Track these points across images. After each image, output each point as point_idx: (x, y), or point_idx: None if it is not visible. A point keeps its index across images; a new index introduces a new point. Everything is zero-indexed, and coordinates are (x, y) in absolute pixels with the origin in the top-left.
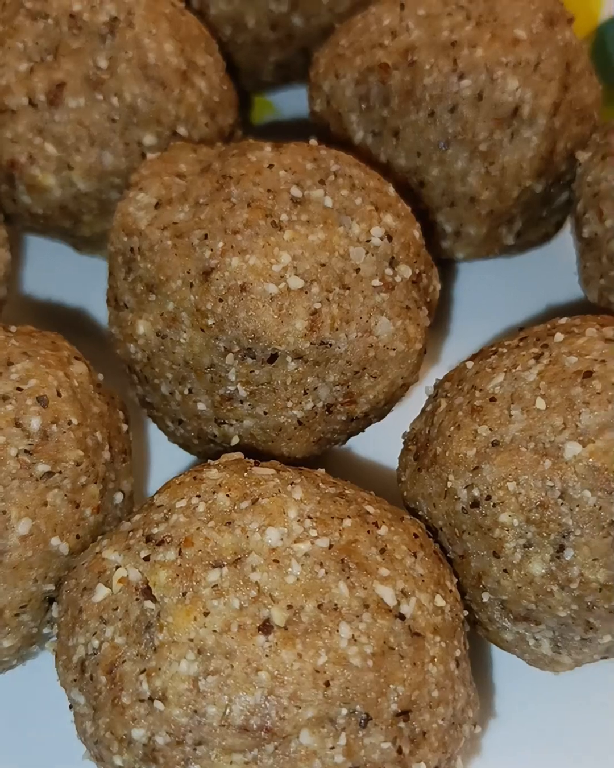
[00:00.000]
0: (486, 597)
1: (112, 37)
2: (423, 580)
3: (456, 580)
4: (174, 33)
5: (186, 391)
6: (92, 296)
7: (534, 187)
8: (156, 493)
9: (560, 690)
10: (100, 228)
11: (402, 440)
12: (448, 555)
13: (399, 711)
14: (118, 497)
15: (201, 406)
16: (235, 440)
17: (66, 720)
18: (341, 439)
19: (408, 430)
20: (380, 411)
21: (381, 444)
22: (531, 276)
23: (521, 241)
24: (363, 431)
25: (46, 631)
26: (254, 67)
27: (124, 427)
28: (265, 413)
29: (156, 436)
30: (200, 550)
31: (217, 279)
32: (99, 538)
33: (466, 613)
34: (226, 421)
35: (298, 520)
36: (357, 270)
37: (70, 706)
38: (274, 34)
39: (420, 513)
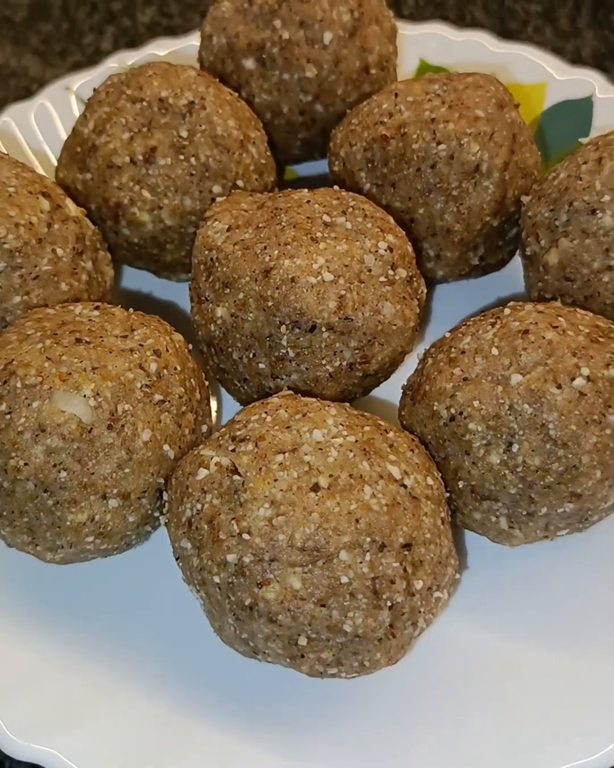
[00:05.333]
0: (460, 484)
1: (190, 115)
2: (418, 466)
3: (440, 475)
4: (234, 113)
5: (251, 356)
6: (169, 307)
7: (492, 222)
8: (234, 415)
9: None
10: (178, 254)
11: (402, 389)
12: (435, 459)
13: (404, 543)
14: (204, 428)
15: (261, 366)
16: (284, 391)
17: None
18: (358, 391)
19: (405, 383)
20: (386, 371)
21: (387, 397)
22: (491, 292)
23: (484, 263)
24: (374, 388)
25: (156, 514)
26: (286, 143)
27: (206, 383)
28: (307, 369)
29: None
30: (269, 443)
31: (274, 275)
32: (194, 447)
33: (448, 495)
34: (279, 376)
35: (334, 425)
36: (369, 270)
37: (177, 558)
38: (301, 118)
39: (414, 434)
